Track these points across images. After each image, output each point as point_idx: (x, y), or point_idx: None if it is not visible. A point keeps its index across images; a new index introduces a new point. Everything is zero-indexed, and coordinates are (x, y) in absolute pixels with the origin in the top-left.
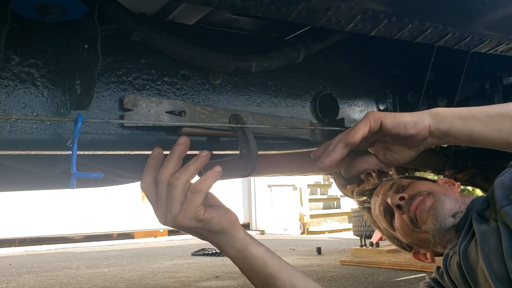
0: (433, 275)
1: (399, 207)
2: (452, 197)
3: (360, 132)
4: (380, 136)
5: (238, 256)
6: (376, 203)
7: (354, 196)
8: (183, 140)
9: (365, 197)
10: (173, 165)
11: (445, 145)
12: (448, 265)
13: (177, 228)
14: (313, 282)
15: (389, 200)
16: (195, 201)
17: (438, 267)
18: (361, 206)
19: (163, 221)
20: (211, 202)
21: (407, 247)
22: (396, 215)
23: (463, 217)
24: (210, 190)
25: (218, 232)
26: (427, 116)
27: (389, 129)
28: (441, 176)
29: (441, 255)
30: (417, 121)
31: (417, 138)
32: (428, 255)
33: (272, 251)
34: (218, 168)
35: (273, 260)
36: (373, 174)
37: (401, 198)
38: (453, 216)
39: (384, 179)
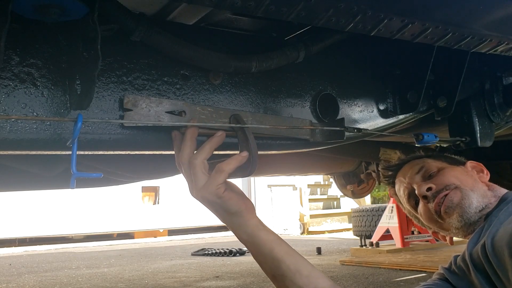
0: (447, 265)
1: (425, 197)
2: (480, 192)
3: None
4: None
5: (249, 240)
6: (401, 185)
7: (380, 168)
8: (191, 121)
9: (391, 172)
10: (189, 147)
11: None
12: (471, 250)
13: (201, 201)
14: (317, 270)
15: (416, 188)
16: (218, 179)
17: (455, 258)
18: (386, 181)
19: (191, 193)
20: (234, 188)
21: (428, 227)
22: (421, 203)
23: (495, 207)
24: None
25: (234, 214)
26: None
27: None
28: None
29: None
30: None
31: None
32: (448, 238)
33: (282, 239)
34: (244, 153)
35: (281, 246)
36: (373, 174)
37: (428, 189)
38: (481, 210)
39: (411, 155)
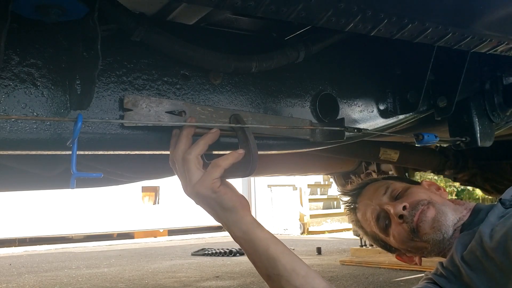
0: (434, 271)
1: (401, 217)
2: (450, 207)
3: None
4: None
5: (244, 237)
6: (368, 208)
7: (338, 195)
8: (189, 120)
9: (350, 197)
10: (183, 144)
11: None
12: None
13: (195, 197)
14: (313, 271)
15: (390, 210)
16: (213, 173)
17: (441, 263)
18: (346, 207)
19: (185, 191)
20: (229, 185)
21: (393, 249)
22: (394, 223)
23: (469, 220)
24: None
25: (228, 210)
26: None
27: None
28: (426, 177)
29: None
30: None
31: None
32: (417, 258)
33: (277, 238)
34: (241, 151)
35: (276, 245)
36: (373, 174)
37: (404, 208)
38: (455, 224)
39: (369, 178)
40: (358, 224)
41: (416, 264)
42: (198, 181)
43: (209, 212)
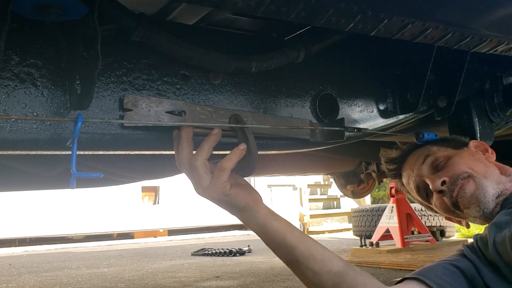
0: (469, 244)
1: (441, 192)
2: (493, 178)
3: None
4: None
5: (261, 230)
6: (410, 178)
7: (383, 162)
8: (187, 122)
9: (396, 165)
10: (186, 148)
11: None
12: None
13: (209, 199)
14: (330, 252)
15: (429, 183)
16: (221, 177)
17: (476, 236)
18: (392, 175)
19: (197, 193)
20: (239, 181)
21: (441, 213)
22: (435, 196)
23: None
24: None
25: (243, 209)
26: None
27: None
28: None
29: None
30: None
31: None
32: (464, 223)
33: (292, 225)
34: (242, 146)
35: (292, 233)
36: (373, 174)
37: (443, 183)
38: (498, 197)
39: (411, 144)
40: (405, 189)
41: (465, 226)
42: (208, 186)
43: (225, 209)
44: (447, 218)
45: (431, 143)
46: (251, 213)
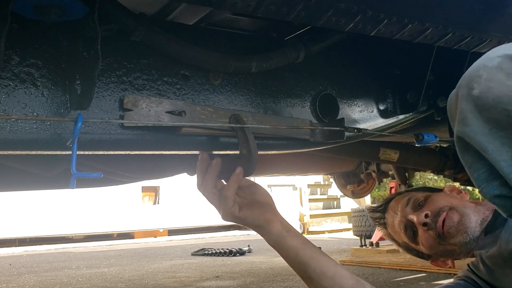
0: (465, 271)
1: (425, 224)
2: (471, 209)
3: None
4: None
5: (275, 245)
6: (395, 220)
7: (367, 213)
8: (201, 156)
9: (379, 213)
10: (200, 178)
11: (445, 145)
12: (483, 263)
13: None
14: (342, 269)
15: (414, 219)
16: (226, 204)
17: (468, 264)
18: (376, 222)
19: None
20: (256, 198)
21: (426, 256)
22: (421, 231)
23: (491, 220)
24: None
25: (256, 227)
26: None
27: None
28: (447, 183)
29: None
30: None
31: None
32: (450, 262)
33: (307, 241)
34: (238, 170)
35: (305, 250)
36: (373, 174)
37: (426, 216)
38: (480, 225)
39: (394, 193)
40: (390, 237)
41: (450, 267)
42: (220, 210)
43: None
44: (432, 263)
45: (411, 190)
46: (263, 232)
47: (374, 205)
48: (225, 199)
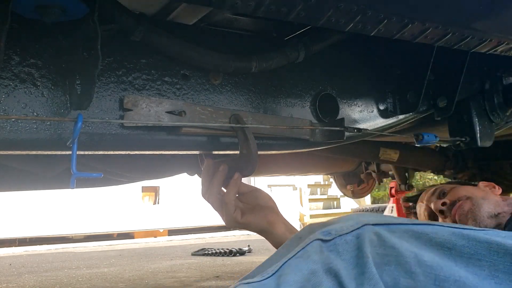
0: None
1: (441, 212)
2: (491, 200)
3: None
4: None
5: (277, 247)
6: (421, 208)
7: (401, 202)
8: (206, 163)
9: (411, 203)
10: (204, 186)
11: (445, 145)
12: None
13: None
14: None
15: (432, 206)
16: (228, 210)
17: None
18: (408, 212)
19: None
20: (259, 202)
21: None
22: (439, 218)
23: None
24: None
25: (259, 231)
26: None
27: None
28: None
29: None
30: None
31: None
32: None
33: None
34: (236, 175)
35: None
36: (373, 174)
37: (443, 204)
38: (495, 216)
39: (428, 186)
40: None
41: None
42: (223, 216)
43: None
44: None
45: (444, 184)
46: (267, 234)
47: (409, 195)
48: (226, 205)
